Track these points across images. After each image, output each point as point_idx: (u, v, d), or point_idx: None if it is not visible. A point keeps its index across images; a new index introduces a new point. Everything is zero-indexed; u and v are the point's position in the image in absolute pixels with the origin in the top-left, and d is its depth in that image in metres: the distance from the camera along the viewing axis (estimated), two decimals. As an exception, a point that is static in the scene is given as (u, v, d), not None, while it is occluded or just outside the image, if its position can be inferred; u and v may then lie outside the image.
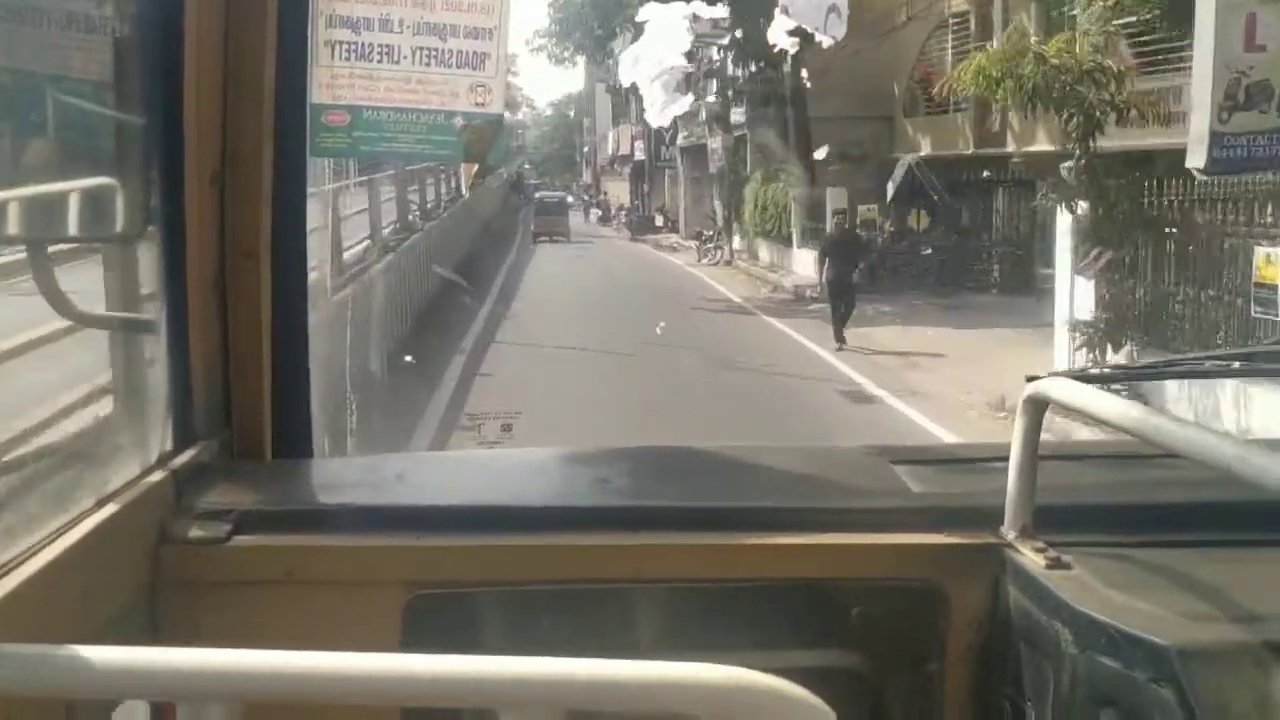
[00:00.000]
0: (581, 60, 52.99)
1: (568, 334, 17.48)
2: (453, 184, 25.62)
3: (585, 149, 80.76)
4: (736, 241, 32.86)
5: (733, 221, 33.23)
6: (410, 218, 19.61)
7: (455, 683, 0.92)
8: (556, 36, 46.11)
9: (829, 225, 22.67)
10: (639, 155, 52.46)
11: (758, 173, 30.68)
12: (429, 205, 23.03)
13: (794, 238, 27.38)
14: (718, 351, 16.18)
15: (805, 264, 24.96)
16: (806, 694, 0.89)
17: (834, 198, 24.32)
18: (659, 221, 46.61)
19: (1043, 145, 21.94)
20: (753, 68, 29.22)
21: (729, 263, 31.53)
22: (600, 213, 56.51)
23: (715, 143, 35.37)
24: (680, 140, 42.05)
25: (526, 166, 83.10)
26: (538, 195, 52.20)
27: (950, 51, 25.81)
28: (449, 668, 0.92)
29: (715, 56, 32.54)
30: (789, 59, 24.82)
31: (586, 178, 79.13)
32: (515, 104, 79.21)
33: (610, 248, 40.65)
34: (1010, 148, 23.80)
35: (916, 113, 27.26)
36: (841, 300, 17.11)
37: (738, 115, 32.81)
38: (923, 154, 25.77)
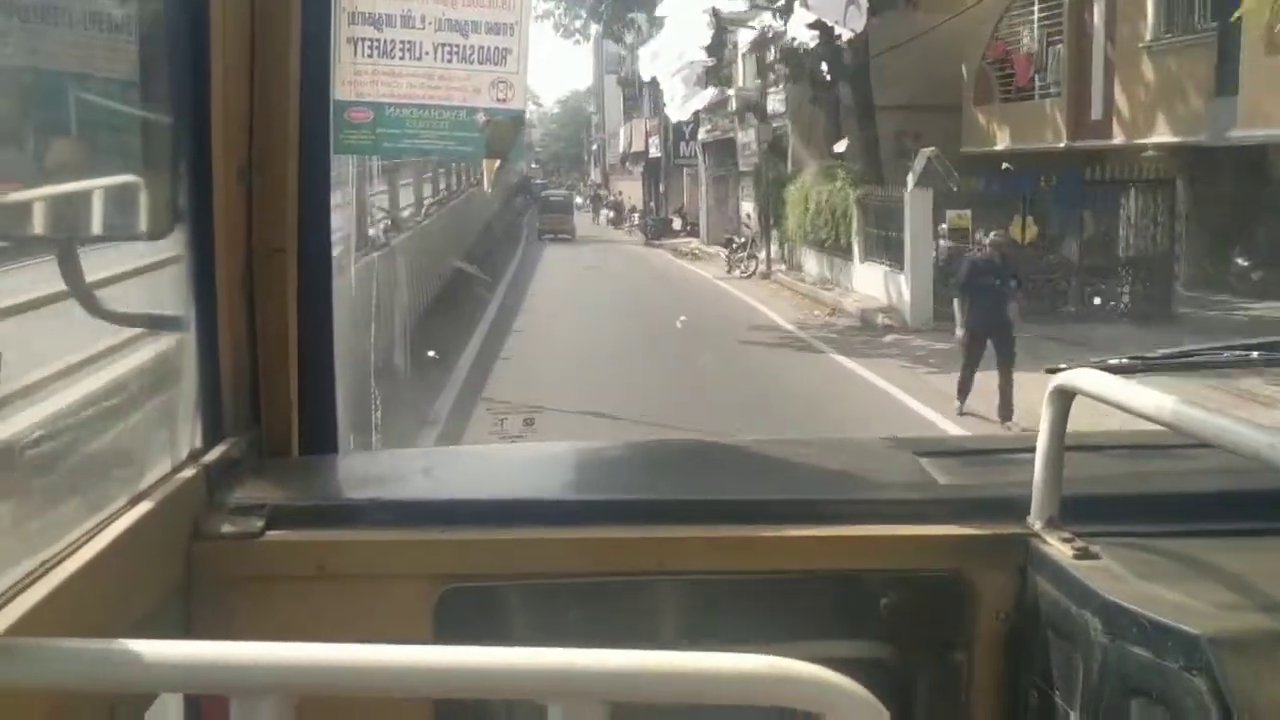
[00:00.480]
0: (592, 41, 48.10)
1: (582, 387, 12.78)
2: (446, 183, 22.70)
3: (594, 146, 77.61)
4: (773, 250, 28.27)
5: (770, 227, 28.39)
6: (375, 229, 13.87)
7: (503, 675, 0.93)
8: (566, 2, 38.32)
9: (940, 243, 18.34)
10: (654, 152, 49.01)
11: (807, 169, 25.72)
12: (408, 208, 17.85)
13: (855, 249, 22.14)
14: (789, 416, 11.53)
15: (871, 282, 20.91)
16: (848, 680, 0.89)
17: (917, 206, 18.77)
18: (676, 225, 43.54)
19: (1164, 135, 18.60)
20: (808, 40, 21.84)
21: (766, 276, 27.07)
22: (612, 214, 53.42)
23: (747, 136, 31.65)
24: (702, 135, 38.84)
25: (534, 165, 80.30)
26: (543, 194, 51.70)
27: (1036, 25, 22.26)
28: (496, 660, 0.92)
29: (753, 34, 26.62)
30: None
31: (595, 177, 75.65)
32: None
33: (625, 255, 36.82)
34: (1117, 139, 19.93)
35: (989, 99, 23.66)
36: (981, 347, 11.98)
37: (775, 103, 28.62)
38: (1000, 148, 22.55)
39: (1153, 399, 1.44)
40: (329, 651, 0.93)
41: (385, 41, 2.03)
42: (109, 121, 1.68)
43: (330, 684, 0.94)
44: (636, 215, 49.44)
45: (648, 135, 50.05)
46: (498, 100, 2.09)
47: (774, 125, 29.23)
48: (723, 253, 30.78)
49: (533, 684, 0.92)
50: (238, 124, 1.78)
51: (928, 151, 19.45)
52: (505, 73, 2.08)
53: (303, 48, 1.85)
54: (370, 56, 2.02)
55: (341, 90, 2.01)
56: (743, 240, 29.66)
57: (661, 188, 49.03)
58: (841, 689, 0.89)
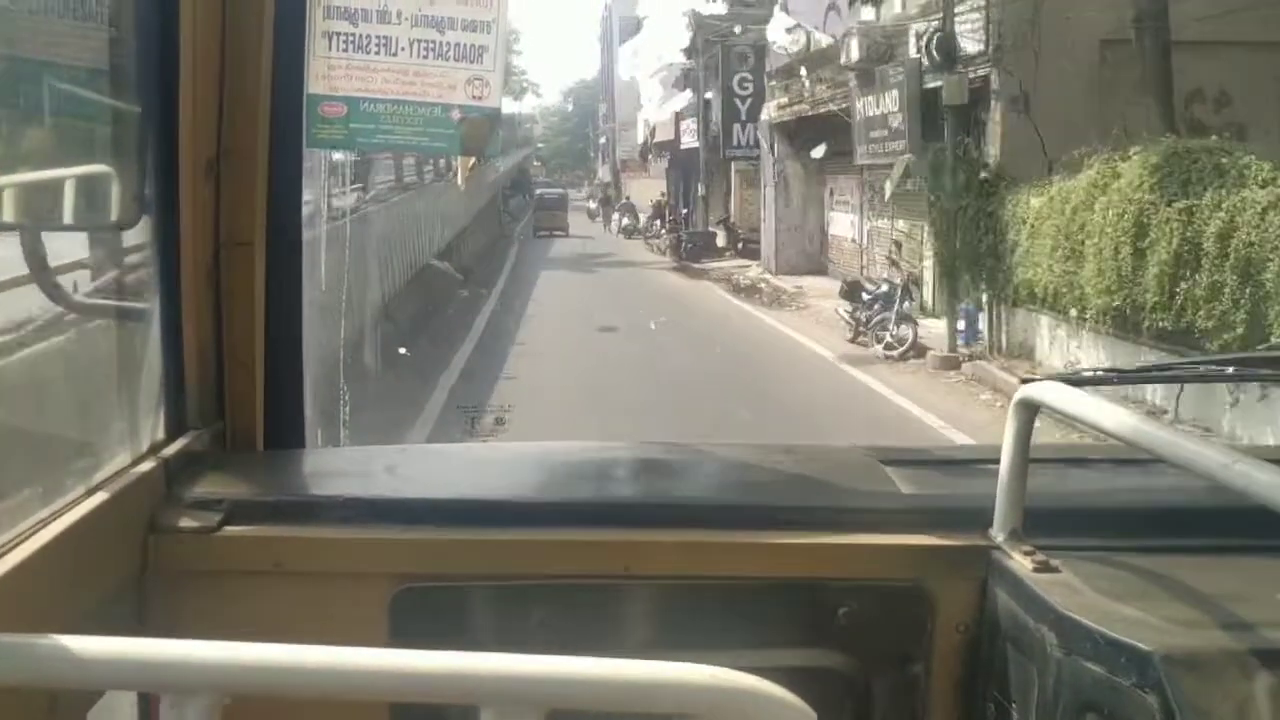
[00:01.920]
0: (600, 15, 43.75)
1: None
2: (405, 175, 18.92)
3: (602, 140, 67.29)
4: (944, 317, 15.20)
5: (959, 273, 14.94)
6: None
7: (436, 678, 0.92)
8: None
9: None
10: (687, 140, 35.64)
11: (1100, 156, 11.97)
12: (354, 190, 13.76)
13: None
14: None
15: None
16: (787, 694, 0.89)
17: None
18: (720, 240, 31.76)
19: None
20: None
21: (957, 368, 14.40)
22: (627, 221, 42.68)
23: (882, 101, 17.59)
24: (772, 113, 25.67)
25: (536, 163, 73.99)
26: (537, 193, 49.64)
27: None
28: (429, 663, 0.92)
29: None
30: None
31: (603, 174, 66.01)
32: (518, 89, 69.35)
33: (657, 293, 23.75)
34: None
35: None
36: None
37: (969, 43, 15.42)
38: None
39: (1115, 415, 1.45)
40: (265, 651, 0.92)
41: (360, 36, 2.02)
42: (75, 110, 1.66)
43: (263, 684, 0.93)
44: (662, 225, 37.94)
45: (678, 119, 36.92)
46: (473, 97, 2.08)
47: (969, 76, 15.36)
48: (837, 307, 17.72)
49: (467, 688, 0.92)
50: (206, 116, 1.76)
51: (906, 158, 15.43)
52: (481, 70, 2.08)
53: (275, 41, 1.84)
54: (345, 51, 2.01)
55: (315, 84, 1.99)
56: (887, 289, 16.51)
57: (700, 189, 36.20)
58: (778, 700, 0.89)
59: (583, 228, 45.62)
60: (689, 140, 35.55)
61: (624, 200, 47.64)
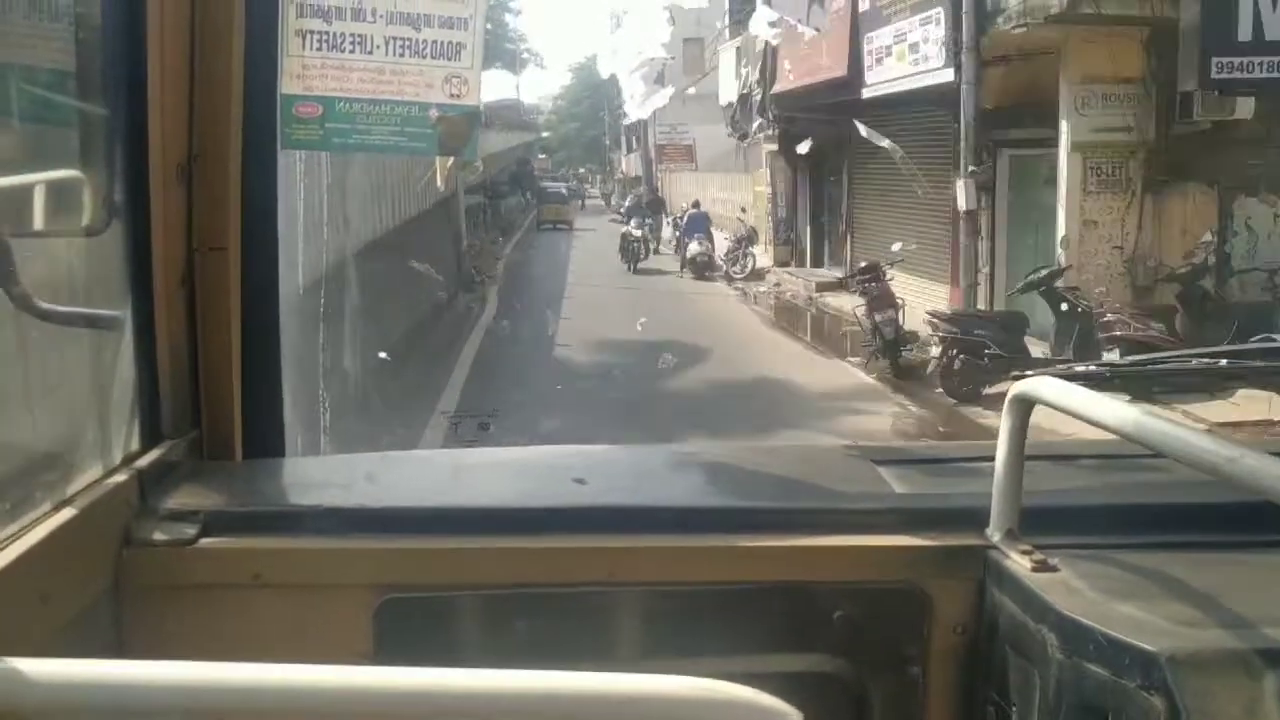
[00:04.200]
0: None
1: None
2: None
3: (626, 121, 48.81)
4: None
5: None
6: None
7: (417, 696, 0.89)
8: None
9: None
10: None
11: None
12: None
13: None
14: None
15: None
16: (778, 702, 0.86)
17: None
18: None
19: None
20: None
21: None
22: (703, 250, 25.28)
23: None
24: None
25: (541, 156, 61.90)
26: (541, 186, 46.89)
27: None
28: (409, 681, 0.89)
29: None
30: None
31: (629, 167, 51.36)
32: (516, 60, 57.69)
33: None
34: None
35: None
36: None
37: None
38: None
39: (1113, 410, 1.42)
40: (246, 672, 0.89)
41: (335, 34, 1.99)
42: (41, 113, 1.63)
43: (239, 706, 0.90)
44: (750, 249, 24.27)
45: (769, 66, 21.27)
46: (451, 96, 2.05)
47: None
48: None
49: (451, 706, 0.89)
50: (177, 117, 1.72)
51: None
52: (459, 68, 2.05)
53: (247, 40, 1.80)
54: (320, 50, 1.98)
55: (289, 84, 1.96)
56: None
57: (833, 191, 21.79)
58: (773, 710, 0.86)
59: (599, 249, 29.76)
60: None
61: (693, 207, 28.16)
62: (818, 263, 23.13)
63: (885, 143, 15.94)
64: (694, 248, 25.62)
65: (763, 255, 24.98)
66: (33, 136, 1.63)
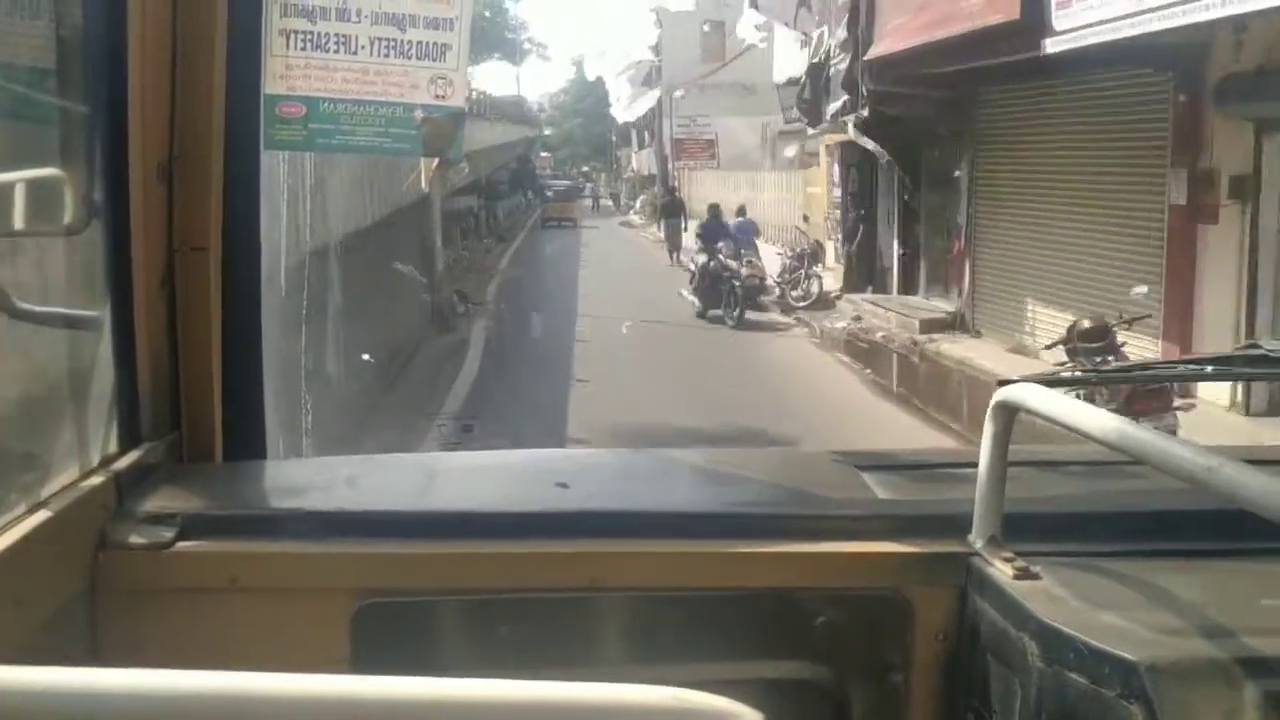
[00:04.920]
0: None
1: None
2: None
3: (644, 110, 42.85)
4: None
5: None
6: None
7: (392, 704, 0.88)
8: None
9: None
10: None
11: None
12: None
13: None
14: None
15: None
16: (753, 712, 0.85)
17: None
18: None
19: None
20: None
21: None
22: (754, 271, 19.50)
23: None
24: None
25: (543, 154, 59.30)
26: (545, 183, 46.84)
27: None
28: (383, 690, 0.87)
29: None
30: None
31: (641, 164, 45.49)
32: (519, 49, 55.14)
33: None
34: None
35: None
36: None
37: None
38: None
39: (1096, 418, 1.42)
40: (214, 680, 0.88)
41: (319, 34, 1.97)
42: (21, 111, 1.61)
43: (214, 714, 0.89)
44: (815, 269, 19.39)
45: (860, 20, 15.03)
46: (436, 97, 2.04)
47: None
48: None
49: (426, 715, 0.88)
50: (158, 116, 1.71)
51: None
52: (444, 69, 2.04)
53: (230, 39, 1.79)
54: (303, 49, 1.97)
55: (272, 84, 1.95)
56: None
57: (938, 193, 15.91)
58: (738, 717, 0.85)
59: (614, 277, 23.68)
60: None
61: (738, 215, 22.95)
62: (908, 288, 16.97)
63: None
64: (808, 291, 19.25)
65: (825, 275, 19.57)
66: (14, 134, 1.62)
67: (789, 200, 25.48)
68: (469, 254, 22.65)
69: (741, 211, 23.30)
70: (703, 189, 33.11)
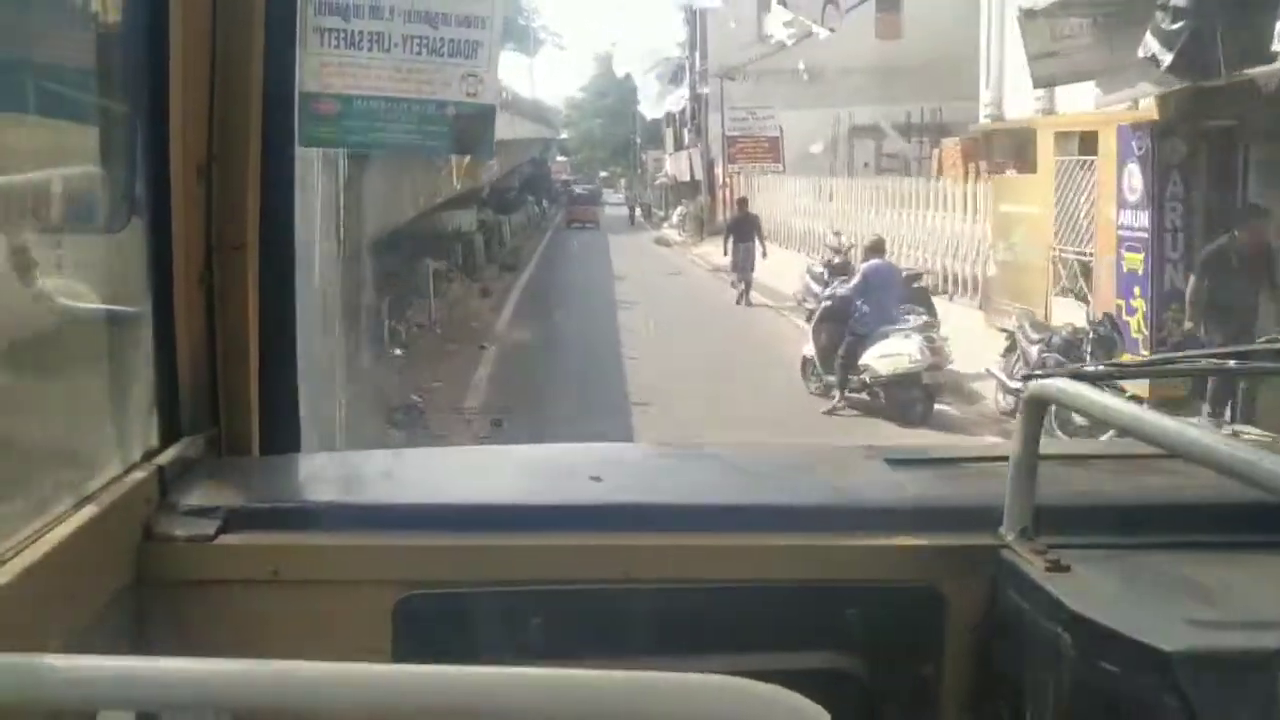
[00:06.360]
0: None
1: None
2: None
3: (678, 108, 36.31)
4: None
5: None
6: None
7: (439, 693, 0.90)
8: None
9: None
10: None
11: None
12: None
13: None
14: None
15: None
16: (804, 700, 0.86)
17: None
18: None
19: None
20: None
21: None
22: (923, 358, 10.75)
23: None
24: None
25: (560, 158, 56.84)
26: (569, 189, 48.25)
27: None
28: (431, 677, 0.89)
29: None
30: None
31: (677, 168, 37.16)
32: (532, 38, 47.71)
33: None
34: None
35: None
36: None
37: None
38: None
39: (1129, 411, 1.42)
40: (260, 667, 0.90)
41: (353, 32, 1.99)
42: (62, 110, 1.64)
43: (260, 700, 0.91)
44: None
45: None
46: (467, 94, 2.05)
47: None
48: None
49: (474, 702, 0.89)
50: (198, 116, 1.73)
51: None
52: (475, 66, 2.05)
53: (267, 38, 1.81)
54: (337, 47, 1.99)
55: (307, 82, 1.97)
56: None
57: None
58: (799, 709, 0.86)
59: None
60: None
61: (872, 252, 13.12)
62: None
63: None
64: (898, 350, 11.37)
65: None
66: (56, 133, 1.64)
67: (966, 229, 16.04)
68: (450, 296, 15.76)
69: (877, 249, 13.30)
70: (766, 200, 25.77)
